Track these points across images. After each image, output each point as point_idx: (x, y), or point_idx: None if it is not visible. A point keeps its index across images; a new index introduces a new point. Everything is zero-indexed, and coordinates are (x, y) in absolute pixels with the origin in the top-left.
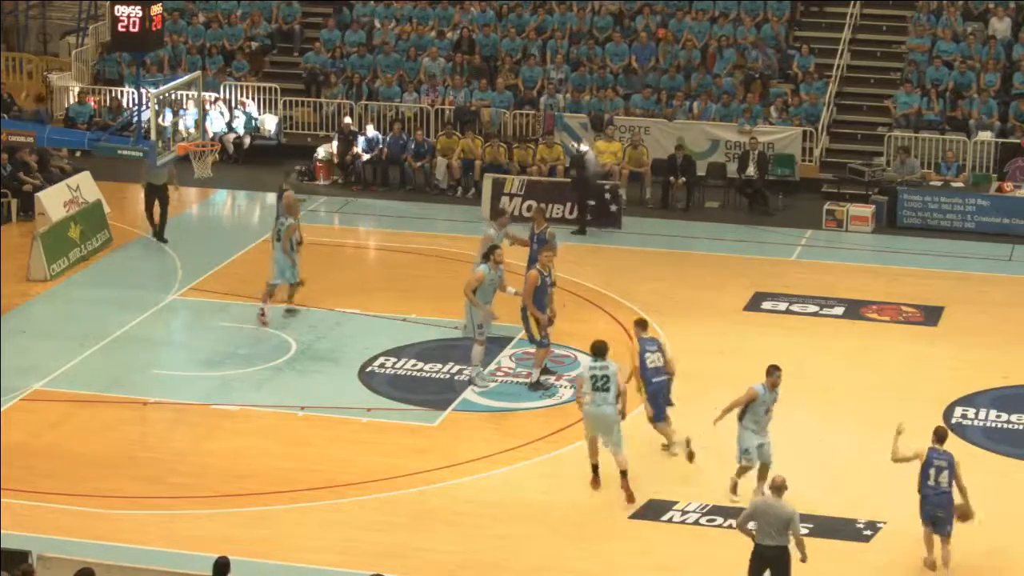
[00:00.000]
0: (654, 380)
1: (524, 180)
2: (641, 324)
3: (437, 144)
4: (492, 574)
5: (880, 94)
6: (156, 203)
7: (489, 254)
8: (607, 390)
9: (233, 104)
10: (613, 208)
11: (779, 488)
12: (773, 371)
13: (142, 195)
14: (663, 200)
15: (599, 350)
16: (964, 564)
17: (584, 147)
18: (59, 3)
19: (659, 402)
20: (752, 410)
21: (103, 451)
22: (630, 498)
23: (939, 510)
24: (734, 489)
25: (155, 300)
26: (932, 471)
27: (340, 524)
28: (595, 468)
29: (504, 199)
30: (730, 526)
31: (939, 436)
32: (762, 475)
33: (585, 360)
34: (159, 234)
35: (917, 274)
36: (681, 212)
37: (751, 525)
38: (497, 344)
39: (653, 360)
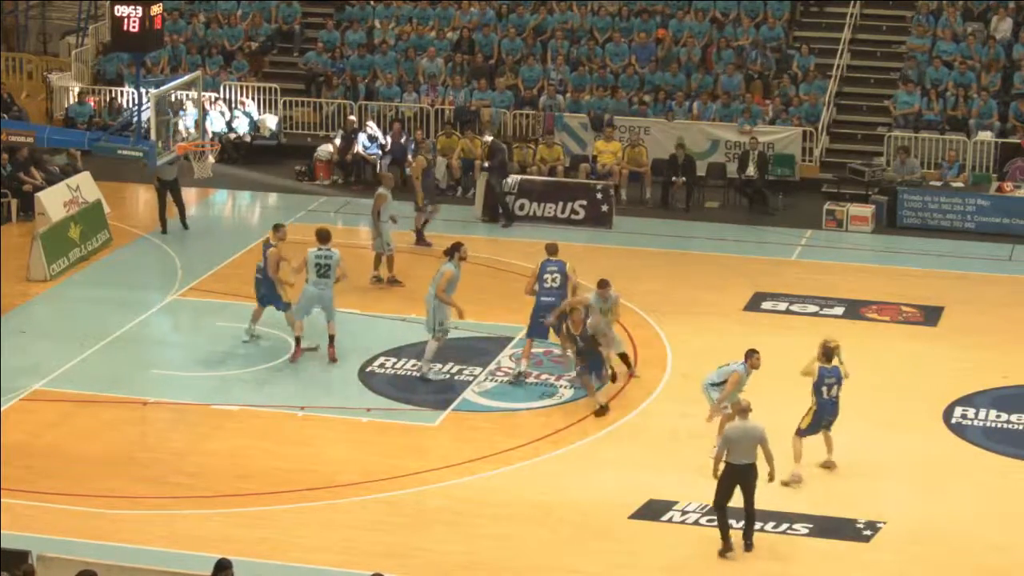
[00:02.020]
0: (542, 298)
1: (518, 179)
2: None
3: (437, 144)
4: (492, 574)
5: (880, 94)
6: (169, 197)
7: (455, 251)
8: (328, 276)
9: (233, 104)
10: (605, 208)
11: (745, 410)
12: (752, 353)
13: (154, 193)
14: (663, 200)
15: (323, 236)
16: (967, 564)
17: (487, 137)
18: (59, 3)
19: (536, 318)
20: (734, 393)
21: (103, 451)
22: (332, 358)
23: (830, 417)
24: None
25: (155, 300)
26: (824, 388)
27: (340, 524)
28: (299, 340)
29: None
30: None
31: (827, 355)
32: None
33: (311, 248)
34: (183, 222)
35: (917, 274)
36: (681, 212)
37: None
38: (496, 344)
39: (550, 281)
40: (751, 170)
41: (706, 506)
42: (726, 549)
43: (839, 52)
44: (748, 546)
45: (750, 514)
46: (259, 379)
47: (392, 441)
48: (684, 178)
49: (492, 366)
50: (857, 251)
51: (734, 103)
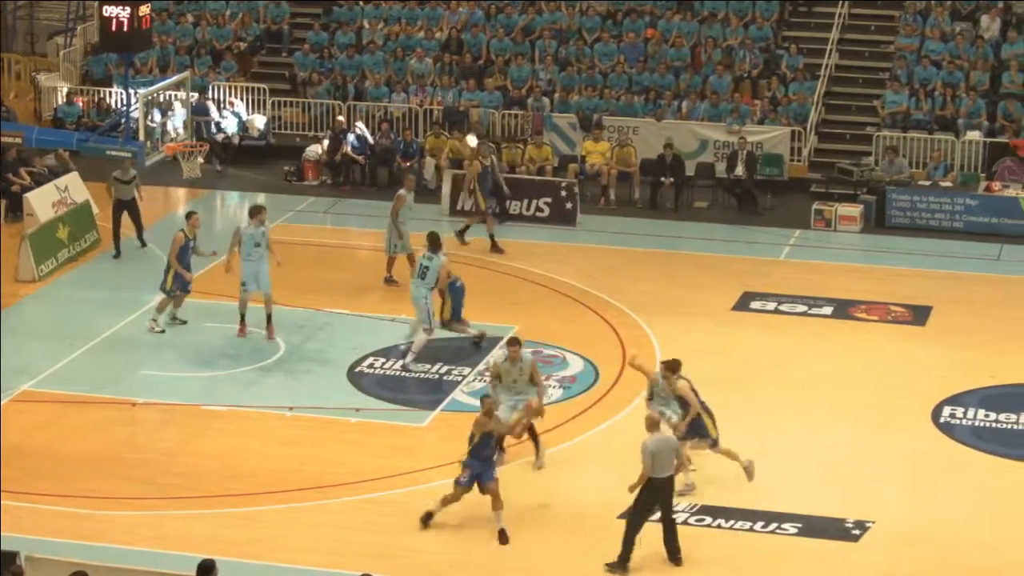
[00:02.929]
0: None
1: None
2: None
3: (425, 144)
4: (483, 574)
5: (868, 94)
6: (125, 216)
7: (439, 244)
8: (260, 246)
9: (222, 104)
10: (569, 206)
11: (656, 423)
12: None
13: (110, 212)
14: (652, 200)
15: (256, 211)
16: (956, 564)
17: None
18: (47, 3)
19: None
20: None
21: (92, 452)
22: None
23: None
24: None
25: (144, 301)
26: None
27: (329, 524)
28: (243, 317)
29: (463, 195)
30: (719, 526)
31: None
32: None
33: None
34: (141, 239)
35: (905, 273)
36: (670, 212)
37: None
38: (486, 343)
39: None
40: (740, 170)
41: (695, 506)
42: (622, 568)
43: (827, 52)
44: (678, 561)
45: (672, 526)
46: (248, 379)
47: (381, 441)
48: (672, 178)
49: (481, 366)
50: (846, 251)
51: (723, 103)
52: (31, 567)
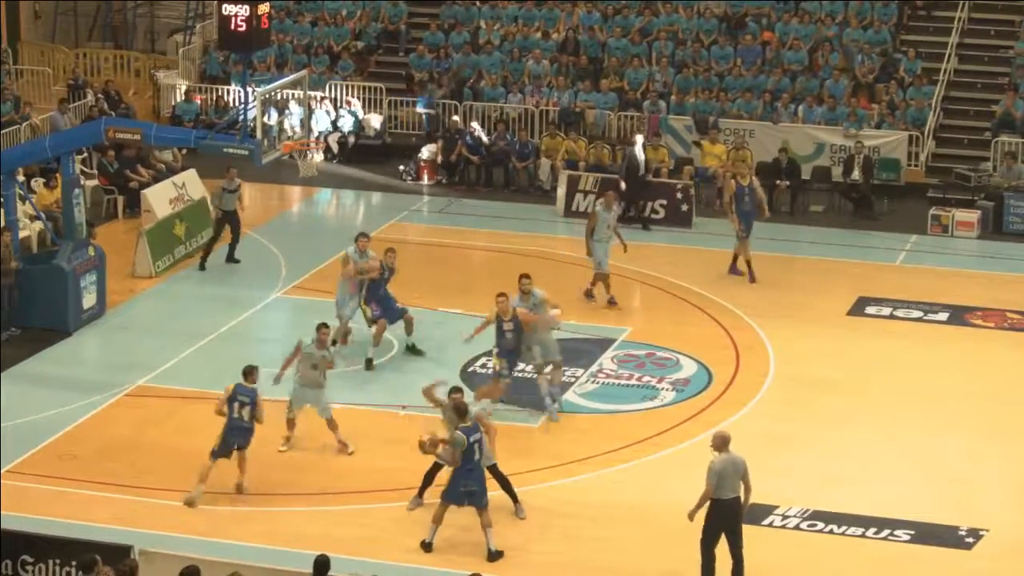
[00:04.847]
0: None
1: (599, 178)
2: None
3: (541, 145)
4: (590, 575)
5: (987, 99)
6: (227, 229)
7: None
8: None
9: (339, 103)
10: (684, 208)
11: (726, 441)
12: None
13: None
14: (768, 203)
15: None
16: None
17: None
18: (167, 2)
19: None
20: None
21: (204, 448)
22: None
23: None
24: None
25: (259, 298)
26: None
27: (441, 524)
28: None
29: (578, 196)
30: (831, 531)
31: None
32: None
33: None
34: (232, 254)
35: (1023, 280)
36: (786, 215)
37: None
38: (598, 346)
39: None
40: (856, 174)
41: (808, 510)
42: None
43: (946, 56)
44: None
45: (739, 551)
46: (361, 378)
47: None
48: (788, 182)
49: (594, 368)
50: (962, 257)
51: (840, 107)
52: (145, 561)
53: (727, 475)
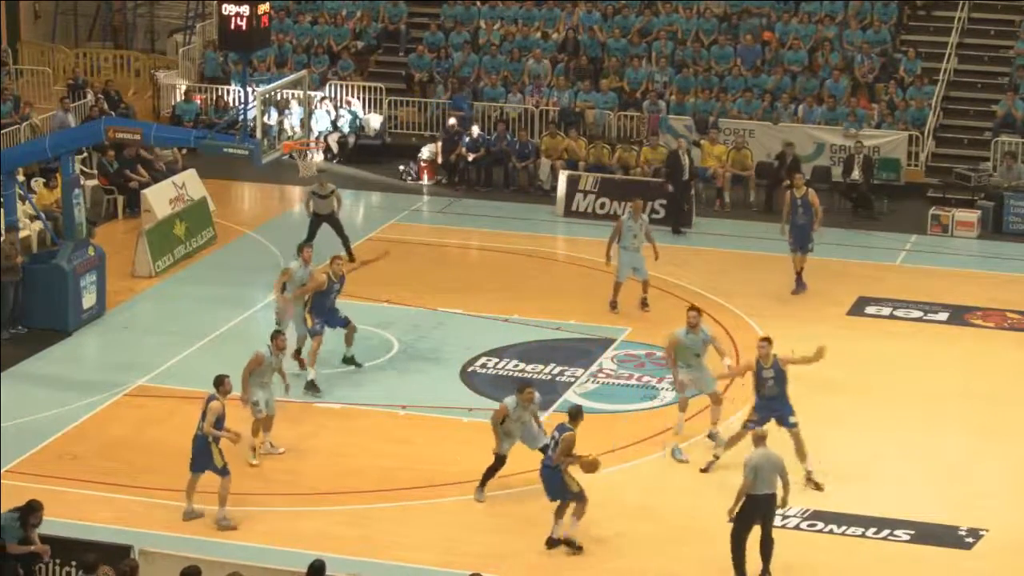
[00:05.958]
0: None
1: (599, 178)
2: None
3: (541, 145)
4: (592, 575)
5: (987, 99)
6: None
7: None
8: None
9: (339, 103)
10: (684, 208)
11: (763, 438)
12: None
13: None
14: (767, 203)
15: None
16: None
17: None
18: (167, 2)
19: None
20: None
21: None
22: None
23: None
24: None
25: (259, 297)
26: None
27: (441, 524)
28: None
29: (578, 196)
30: (830, 531)
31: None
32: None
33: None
34: (348, 252)
35: (1022, 280)
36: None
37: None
38: (600, 345)
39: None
40: (856, 174)
41: (808, 510)
42: None
43: (946, 56)
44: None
45: (768, 547)
46: (361, 378)
47: (494, 441)
48: (788, 181)
49: (594, 368)
50: (962, 257)
51: (840, 106)
52: (145, 561)
53: (763, 470)
